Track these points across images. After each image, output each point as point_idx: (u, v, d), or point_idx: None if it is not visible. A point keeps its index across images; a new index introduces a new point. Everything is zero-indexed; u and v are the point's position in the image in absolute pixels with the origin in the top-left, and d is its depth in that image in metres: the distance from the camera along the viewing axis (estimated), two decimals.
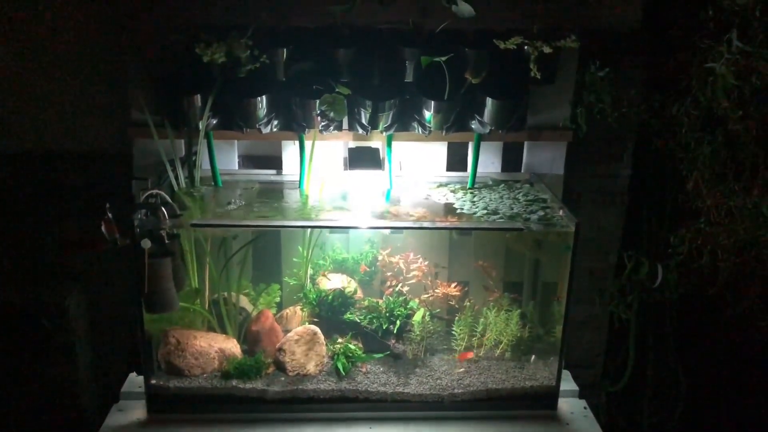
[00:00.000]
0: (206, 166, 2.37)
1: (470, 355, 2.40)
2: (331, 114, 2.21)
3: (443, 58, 2.18)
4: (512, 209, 2.27)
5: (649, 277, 2.40)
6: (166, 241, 2.09)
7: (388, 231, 2.50)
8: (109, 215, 2.08)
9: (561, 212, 2.24)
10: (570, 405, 2.38)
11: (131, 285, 2.03)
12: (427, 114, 2.31)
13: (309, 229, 2.46)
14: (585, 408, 2.39)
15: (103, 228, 2.08)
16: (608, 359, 2.95)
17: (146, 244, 2.04)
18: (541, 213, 2.25)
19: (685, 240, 2.10)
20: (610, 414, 2.99)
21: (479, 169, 2.47)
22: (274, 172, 2.49)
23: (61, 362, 2.56)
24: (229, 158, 2.48)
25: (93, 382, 2.65)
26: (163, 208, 2.11)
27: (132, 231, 2.04)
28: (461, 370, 2.36)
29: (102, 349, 2.67)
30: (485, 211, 2.26)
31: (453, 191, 2.44)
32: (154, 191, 2.16)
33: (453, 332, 2.43)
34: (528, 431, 2.25)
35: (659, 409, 2.98)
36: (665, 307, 2.73)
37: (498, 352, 2.46)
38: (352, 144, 2.48)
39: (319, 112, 2.23)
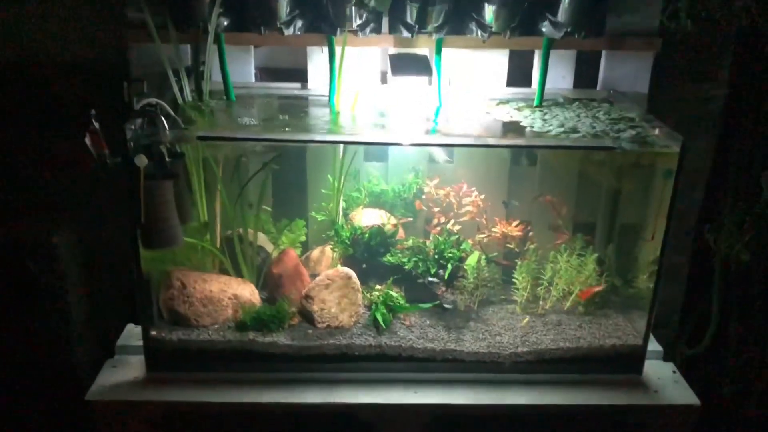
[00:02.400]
0: (217, 77, 1.99)
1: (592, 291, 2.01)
2: (372, 3, 1.76)
3: None
4: (594, 128, 1.83)
5: None
6: (167, 160, 1.74)
7: (437, 157, 2.07)
8: (96, 125, 1.68)
9: (657, 131, 1.80)
10: (655, 368, 1.99)
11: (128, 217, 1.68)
12: (488, 11, 1.87)
13: (340, 156, 2.07)
14: (674, 372, 2.00)
15: (87, 141, 1.68)
16: (684, 318, 2.53)
17: (142, 161, 1.65)
18: (632, 132, 1.81)
19: None
20: (686, 380, 2.57)
21: (547, 86, 2.06)
22: (298, 85, 2.10)
23: (49, 309, 2.17)
24: (244, 70, 2.10)
25: (88, 332, 2.26)
26: (163, 119, 1.69)
27: (124, 144, 1.62)
28: (524, 321, 1.95)
29: (97, 295, 2.28)
30: (562, 129, 1.82)
31: (517, 109, 2.01)
32: (153, 100, 1.76)
33: (514, 279, 2.01)
34: (608, 400, 1.85)
35: (742, 377, 2.56)
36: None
37: (568, 304, 2.04)
38: (393, 50, 2.03)
39: (355, 1, 1.79)
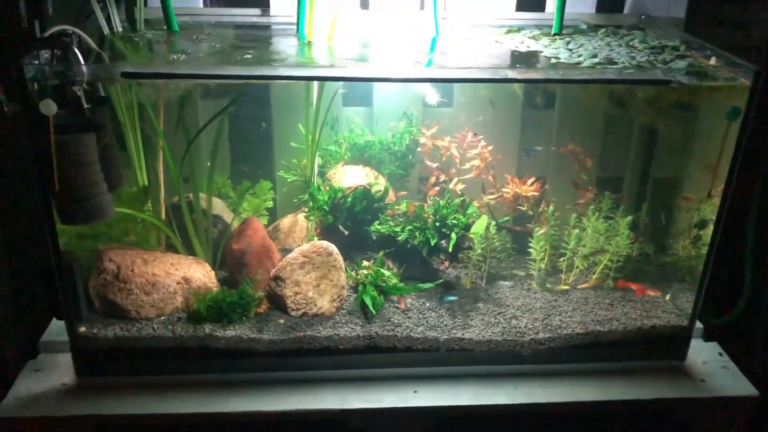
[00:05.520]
0: (155, 3, 1.69)
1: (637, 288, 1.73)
2: None
3: None
4: (633, 58, 1.47)
5: None
6: (86, 106, 1.37)
7: (433, 100, 1.68)
8: None
9: (713, 60, 1.44)
10: (698, 351, 1.71)
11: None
12: None
13: (313, 100, 1.67)
14: (720, 354, 1.72)
15: None
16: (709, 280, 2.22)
17: (49, 108, 1.32)
18: (683, 63, 1.44)
19: None
20: None
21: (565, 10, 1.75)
22: (257, 11, 1.81)
23: None
24: None
25: (14, 325, 1.85)
26: (76, 51, 1.29)
27: (23, 85, 1.25)
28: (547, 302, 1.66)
29: (24, 279, 1.86)
30: (596, 60, 1.44)
31: (533, 37, 1.64)
32: (69, 28, 1.40)
33: (530, 249, 1.69)
34: (646, 393, 1.55)
35: None
36: None
37: (594, 276, 1.70)
38: None
39: None
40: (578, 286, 1.69)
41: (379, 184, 1.72)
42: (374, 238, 1.70)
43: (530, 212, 1.77)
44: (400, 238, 1.65)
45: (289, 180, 1.80)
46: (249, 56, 1.43)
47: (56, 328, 1.69)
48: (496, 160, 1.75)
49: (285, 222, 1.83)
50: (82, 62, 1.31)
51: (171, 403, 1.48)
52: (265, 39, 1.66)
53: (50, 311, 1.74)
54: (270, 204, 1.83)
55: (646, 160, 1.84)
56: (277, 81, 1.72)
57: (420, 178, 1.86)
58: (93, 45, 1.43)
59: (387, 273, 1.64)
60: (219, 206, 1.78)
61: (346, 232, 1.69)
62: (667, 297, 1.68)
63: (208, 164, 1.67)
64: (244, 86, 1.67)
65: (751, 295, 2.12)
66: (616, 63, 1.47)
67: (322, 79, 1.60)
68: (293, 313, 1.58)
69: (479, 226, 1.67)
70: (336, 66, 1.47)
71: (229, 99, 1.65)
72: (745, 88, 1.37)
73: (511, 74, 1.37)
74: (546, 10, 1.83)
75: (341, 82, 1.73)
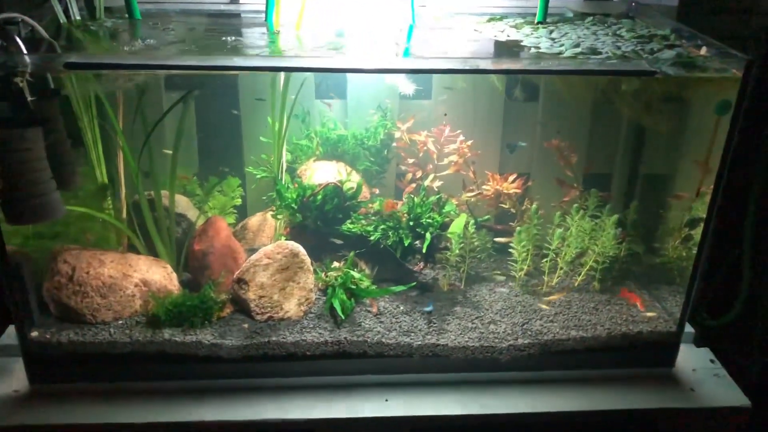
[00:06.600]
0: None
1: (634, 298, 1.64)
2: None
3: None
4: (619, 48, 1.37)
5: None
6: (29, 98, 1.30)
7: (409, 91, 1.58)
8: None
9: (704, 50, 1.35)
10: (688, 357, 1.62)
11: None
12: None
13: (282, 93, 1.60)
14: (712, 361, 1.62)
15: None
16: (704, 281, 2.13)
17: None
18: (671, 52, 1.35)
19: None
20: None
21: None
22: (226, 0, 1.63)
23: None
24: None
25: None
26: (18, 41, 1.22)
27: None
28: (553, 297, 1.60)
29: None
30: (578, 50, 1.35)
31: (515, 26, 1.55)
32: (16, 16, 1.31)
33: (511, 249, 1.62)
34: (631, 403, 1.47)
35: None
36: None
37: (580, 278, 1.62)
38: None
39: None
40: (548, 298, 1.59)
41: (353, 180, 1.63)
42: (340, 242, 1.62)
43: (513, 210, 1.68)
44: (372, 238, 1.56)
45: (257, 176, 1.69)
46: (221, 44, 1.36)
47: (10, 336, 1.59)
48: (477, 156, 1.66)
49: (253, 221, 1.73)
50: (25, 52, 1.23)
51: (128, 411, 1.40)
52: (233, 26, 1.57)
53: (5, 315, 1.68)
54: (238, 201, 1.73)
55: (635, 156, 1.75)
56: (245, 72, 1.64)
57: (397, 174, 1.77)
58: (44, 34, 1.34)
59: (358, 275, 1.54)
60: (184, 204, 1.68)
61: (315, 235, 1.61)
62: (650, 314, 1.59)
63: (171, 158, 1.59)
64: (207, 78, 1.58)
65: (749, 295, 2.03)
66: (599, 53, 1.37)
67: (289, 69, 1.51)
68: (258, 318, 1.49)
69: (457, 225, 1.58)
70: (303, 58, 1.38)
71: (199, 92, 1.57)
72: (737, 79, 1.28)
73: (483, 65, 1.28)
74: None
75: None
